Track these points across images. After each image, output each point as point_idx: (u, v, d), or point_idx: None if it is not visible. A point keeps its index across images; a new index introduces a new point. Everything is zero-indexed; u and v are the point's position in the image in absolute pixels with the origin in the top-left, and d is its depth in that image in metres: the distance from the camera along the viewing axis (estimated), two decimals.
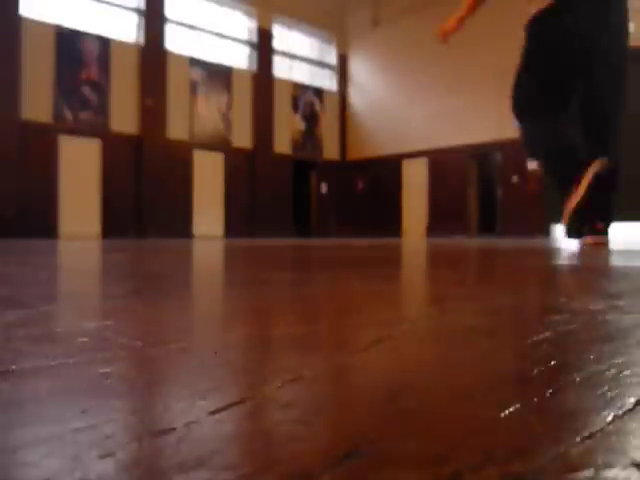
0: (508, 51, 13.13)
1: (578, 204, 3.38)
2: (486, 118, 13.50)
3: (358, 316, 1.02)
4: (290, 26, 16.18)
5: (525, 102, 3.64)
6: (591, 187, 3.35)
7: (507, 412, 0.43)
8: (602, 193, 3.42)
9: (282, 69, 15.96)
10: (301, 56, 16.69)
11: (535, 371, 0.56)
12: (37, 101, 11.55)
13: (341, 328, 0.89)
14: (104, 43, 12.49)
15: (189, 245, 6.51)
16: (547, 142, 3.58)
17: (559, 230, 12.05)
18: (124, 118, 12.73)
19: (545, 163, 3.82)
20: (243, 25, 15.18)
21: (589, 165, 3.42)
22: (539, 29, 3.55)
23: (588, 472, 0.32)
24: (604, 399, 0.46)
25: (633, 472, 0.32)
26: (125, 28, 12.98)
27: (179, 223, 13.42)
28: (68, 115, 11.97)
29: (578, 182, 3.44)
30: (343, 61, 17.41)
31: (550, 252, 4.02)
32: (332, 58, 17.46)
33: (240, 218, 14.70)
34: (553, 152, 3.62)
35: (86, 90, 12.27)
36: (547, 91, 3.54)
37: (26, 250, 4.64)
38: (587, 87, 3.43)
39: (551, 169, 3.78)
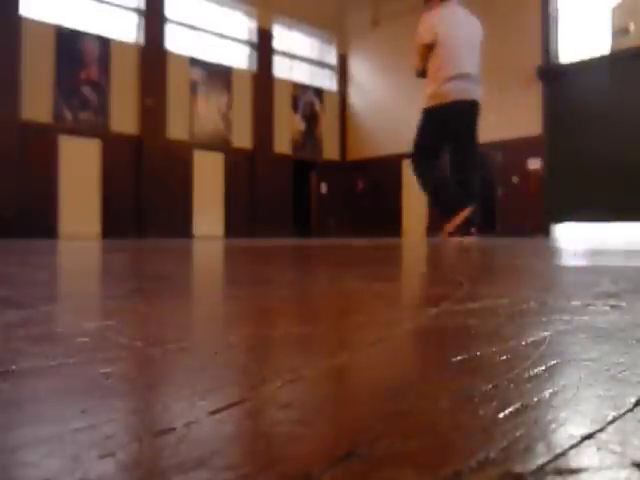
0: (507, 52, 13.15)
1: (457, 226, 5.29)
2: (486, 118, 13.45)
3: (358, 316, 1.02)
4: (290, 26, 16.18)
5: (423, 153, 5.44)
6: (465, 219, 5.27)
7: (507, 412, 0.43)
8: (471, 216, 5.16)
9: (282, 69, 15.96)
10: (301, 56, 16.69)
11: (535, 371, 0.56)
12: (37, 101, 11.55)
13: (341, 328, 0.89)
14: (104, 43, 12.49)
15: (189, 245, 6.51)
16: (432, 180, 5.44)
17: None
18: (124, 118, 12.73)
19: (430, 196, 5.57)
20: (243, 25, 15.18)
21: (463, 208, 5.33)
22: (431, 117, 5.33)
23: (588, 472, 0.32)
24: (604, 399, 0.46)
25: (633, 472, 0.32)
26: (125, 28, 12.98)
27: (179, 223, 13.43)
28: (68, 115, 11.97)
29: (456, 214, 5.41)
30: (343, 61, 17.40)
31: (550, 252, 4.02)
32: (332, 58, 17.46)
33: (240, 218, 14.70)
34: (436, 188, 5.45)
35: (86, 90, 12.27)
36: (434, 149, 5.42)
37: (26, 250, 4.64)
38: (455, 151, 5.43)
39: (434, 200, 5.63)
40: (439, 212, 5.51)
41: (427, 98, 5.25)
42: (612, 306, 1.03)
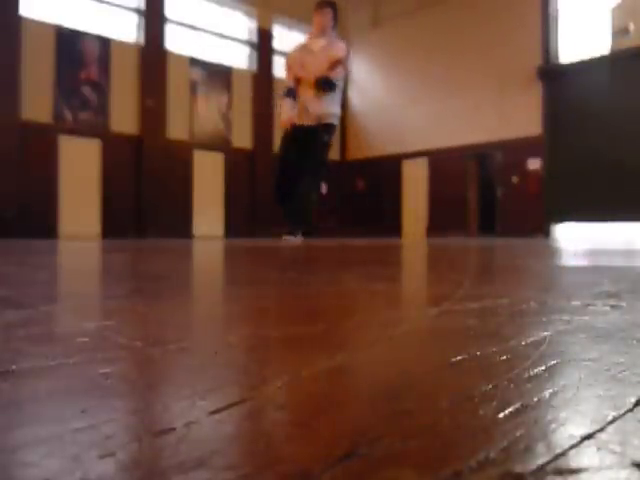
0: (507, 52, 13.15)
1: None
2: (486, 118, 13.49)
3: (358, 316, 1.02)
4: (290, 26, 16.18)
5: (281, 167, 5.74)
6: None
7: (507, 412, 0.43)
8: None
9: (282, 69, 15.97)
10: None
11: (535, 371, 0.56)
12: (37, 101, 11.55)
13: (341, 328, 0.89)
14: (104, 43, 12.49)
15: (189, 245, 6.51)
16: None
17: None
18: (124, 118, 12.72)
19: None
20: (243, 25, 15.17)
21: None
22: (286, 137, 5.70)
23: (588, 472, 0.32)
24: (604, 399, 0.46)
25: (633, 472, 0.32)
26: (125, 28, 12.97)
27: (179, 223, 13.42)
28: (68, 115, 11.97)
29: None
30: None
31: (550, 252, 4.02)
32: None
33: (240, 218, 14.69)
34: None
35: (86, 90, 12.26)
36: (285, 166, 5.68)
37: (26, 250, 4.64)
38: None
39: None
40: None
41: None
42: (612, 306, 1.03)
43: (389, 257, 3.61)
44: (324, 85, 5.34)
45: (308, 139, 5.40)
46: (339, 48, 5.51)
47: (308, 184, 5.52)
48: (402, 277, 2.16)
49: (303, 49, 5.68)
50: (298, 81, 5.51)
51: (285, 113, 5.53)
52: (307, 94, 5.42)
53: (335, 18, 5.79)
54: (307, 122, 5.43)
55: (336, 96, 5.56)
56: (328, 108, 5.49)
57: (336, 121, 5.67)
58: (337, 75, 5.43)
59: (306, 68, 5.45)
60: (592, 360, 0.60)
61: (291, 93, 5.50)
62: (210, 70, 14.24)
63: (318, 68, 5.33)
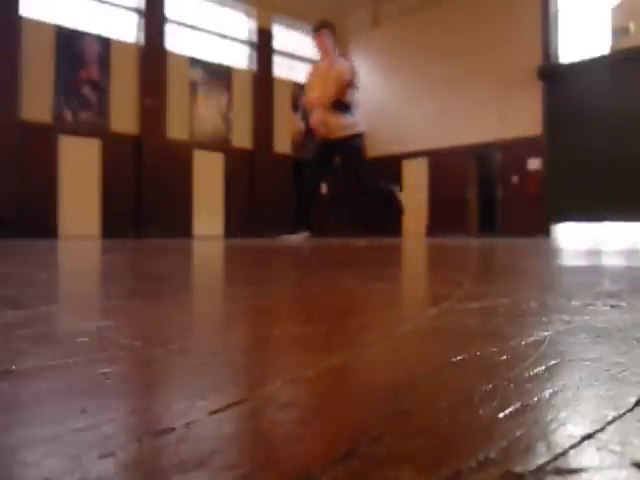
0: (507, 52, 13.15)
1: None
2: (486, 118, 13.49)
3: (358, 316, 1.02)
4: (290, 26, 16.18)
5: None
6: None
7: (507, 412, 0.43)
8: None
9: (282, 69, 15.96)
10: (301, 56, 16.69)
11: (535, 371, 0.56)
12: (37, 101, 11.54)
13: (341, 328, 0.89)
14: (104, 43, 12.49)
15: (189, 245, 6.51)
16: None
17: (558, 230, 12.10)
18: (124, 118, 12.72)
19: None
20: (243, 25, 15.17)
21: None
22: (315, 150, 6.00)
23: (588, 472, 0.32)
24: (604, 399, 0.46)
25: (633, 472, 0.32)
26: (125, 28, 12.97)
27: (179, 223, 13.42)
28: (68, 115, 11.97)
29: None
30: None
31: (550, 252, 4.02)
32: None
33: (240, 218, 14.69)
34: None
35: (86, 90, 12.26)
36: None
37: (26, 250, 4.64)
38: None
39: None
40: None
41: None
42: (612, 306, 1.03)
43: (389, 257, 3.61)
44: (338, 108, 5.68)
45: (342, 151, 5.82)
46: (346, 70, 5.78)
47: (367, 185, 5.87)
48: (402, 277, 2.16)
49: (315, 70, 6.05)
50: (313, 102, 5.87)
51: (294, 125, 6.15)
52: (324, 113, 5.74)
53: (334, 36, 6.09)
54: (333, 136, 5.76)
55: (353, 110, 5.86)
56: (347, 120, 5.78)
57: (361, 129, 5.96)
58: (350, 96, 5.77)
59: (317, 89, 5.81)
60: (592, 360, 0.60)
61: (298, 108, 6.19)
62: (210, 70, 14.24)
63: (326, 89, 5.66)
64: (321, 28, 6.00)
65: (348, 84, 5.66)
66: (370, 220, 6.07)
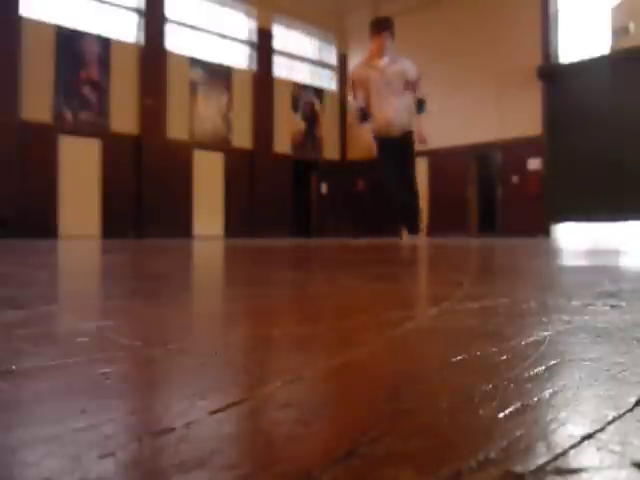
0: (507, 52, 13.14)
1: (403, 233, 5.97)
2: (486, 118, 13.49)
3: (358, 316, 1.02)
4: (290, 26, 16.17)
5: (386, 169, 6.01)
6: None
7: (507, 412, 0.43)
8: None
9: (282, 69, 15.96)
10: (301, 56, 16.68)
11: (535, 371, 0.56)
12: (37, 101, 11.54)
13: (341, 328, 0.89)
14: (104, 43, 12.48)
15: (189, 245, 6.50)
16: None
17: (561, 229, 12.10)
18: (124, 118, 12.72)
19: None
20: (243, 25, 15.17)
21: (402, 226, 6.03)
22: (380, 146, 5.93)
23: (588, 472, 0.32)
24: (604, 399, 0.46)
25: (633, 472, 0.32)
26: (125, 28, 12.97)
27: (179, 223, 13.42)
28: (68, 115, 11.97)
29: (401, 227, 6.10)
30: (343, 61, 17.39)
31: (550, 252, 4.02)
32: (332, 58, 17.44)
33: (240, 218, 14.69)
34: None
35: (86, 90, 12.26)
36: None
37: (26, 250, 4.64)
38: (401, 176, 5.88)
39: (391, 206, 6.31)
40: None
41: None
42: (612, 306, 1.03)
43: (389, 257, 3.61)
44: (420, 106, 5.81)
45: (402, 147, 5.80)
46: (413, 70, 5.89)
47: (414, 185, 5.95)
48: (402, 277, 2.16)
49: (367, 67, 5.98)
50: (368, 97, 5.87)
51: (368, 133, 6.03)
52: (387, 109, 5.79)
53: (393, 36, 6.11)
54: (394, 133, 5.80)
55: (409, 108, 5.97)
56: (407, 117, 5.87)
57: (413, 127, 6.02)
58: (422, 93, 5.90)
59: (375, 85, 5.79)
60: (592, 360, 0.60)
61: (364, 117, 5.95)
62: (210, 70, 14.24)
63: (394, 86, 5.76)
64: (383, 30, 6.00)
65: (417, 82, 5.83)
66: (408, 217, 5.95)
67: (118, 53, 12.69)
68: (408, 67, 5.85)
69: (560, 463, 0.33)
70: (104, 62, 12.48)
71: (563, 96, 12.23)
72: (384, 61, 5.89)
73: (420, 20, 15.03)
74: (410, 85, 5.75)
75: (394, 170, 5.85)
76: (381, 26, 6.06)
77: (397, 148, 5.77)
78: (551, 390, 0.49)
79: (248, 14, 15.17)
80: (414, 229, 5.79)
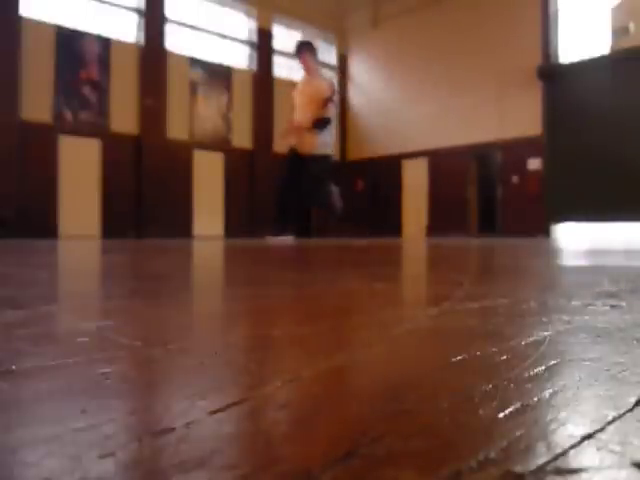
0: (507, 52, 13.14)
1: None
2: (486, 118, 13.49)
3: (358, 316, 1.02)
4: (290, 26, 16.17)
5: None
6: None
7: (507, 412, 0.43)
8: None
9: (282, 69, 15.96)
10: None
11: (535, 371, 0.56)
12: (37, 101, 11.54)
13: (341, 328, 0.89)
14: (104, 43, 12.49)
15: (189, 245, 6.50)
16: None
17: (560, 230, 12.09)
18: (124, 118, 12.72)
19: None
20: (243, 25, 15.17)
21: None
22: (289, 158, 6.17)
23: (588, 472, 0.32)
24: (604, 399, 0.46)
25: (633, 472, 0.32)
26: (125, 28, 12.97)
27: (179, 223, 13.42)
28: (68, 115, 11.97)
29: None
30: (343, 61, 17.40)
31: (550, 252, 4.02)
32: (332, 58, 17.45)
33: (240, 218, 14.69)
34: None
35: (86, 90, 12.26)
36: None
37: (26, 250, 4.64)
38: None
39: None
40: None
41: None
42: (612, 306, 1.03)
43: (389, 257, 3.61)
44: (317, 125, 5.94)
45: (307, 167, 6.06)
46: (323, 88, 6.07)
47: (308, 200, 6.28)
48: (402, 277, 2.16)
49: (297, 86, 6.37)
50: (294, 123, 6.20)
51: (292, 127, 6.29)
52: (302, 130, 6.06)
53: (315, 55, 6.38)
54: (302, 151, 6.05)
55: (330, 129, 6.16)
56: (319, 139, 6.04)
57: (330, 150, 6.22)
58: (328, 112, 6.06)
59: (297, 107, 6.10)
60: (592, 360, 0.60)
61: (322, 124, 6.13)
62: (210, 70, 14.24)
63: (303, 106, 5.96)
64: (301, 52, 6.27)
65: (327, 100, 5.97)
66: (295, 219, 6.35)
67: (118, 53, 12.69)
68: (323, 85, 6.10)
69: (560, 463, 0.33)
70: (104, 62, 12.48)
71: (563, 96, 12.23)
72: (302, 80, 6.30)
73: (420, 20, 15.03)
74: (314, 103, 5.93)
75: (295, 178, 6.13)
76: (296, 50, 6.38)
77: (300, 164, 6.07)
78: (551, 390, 0.49)
79: (248, 14, 15.17)
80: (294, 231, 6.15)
